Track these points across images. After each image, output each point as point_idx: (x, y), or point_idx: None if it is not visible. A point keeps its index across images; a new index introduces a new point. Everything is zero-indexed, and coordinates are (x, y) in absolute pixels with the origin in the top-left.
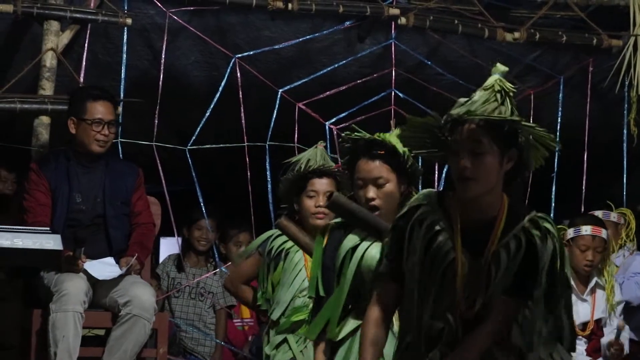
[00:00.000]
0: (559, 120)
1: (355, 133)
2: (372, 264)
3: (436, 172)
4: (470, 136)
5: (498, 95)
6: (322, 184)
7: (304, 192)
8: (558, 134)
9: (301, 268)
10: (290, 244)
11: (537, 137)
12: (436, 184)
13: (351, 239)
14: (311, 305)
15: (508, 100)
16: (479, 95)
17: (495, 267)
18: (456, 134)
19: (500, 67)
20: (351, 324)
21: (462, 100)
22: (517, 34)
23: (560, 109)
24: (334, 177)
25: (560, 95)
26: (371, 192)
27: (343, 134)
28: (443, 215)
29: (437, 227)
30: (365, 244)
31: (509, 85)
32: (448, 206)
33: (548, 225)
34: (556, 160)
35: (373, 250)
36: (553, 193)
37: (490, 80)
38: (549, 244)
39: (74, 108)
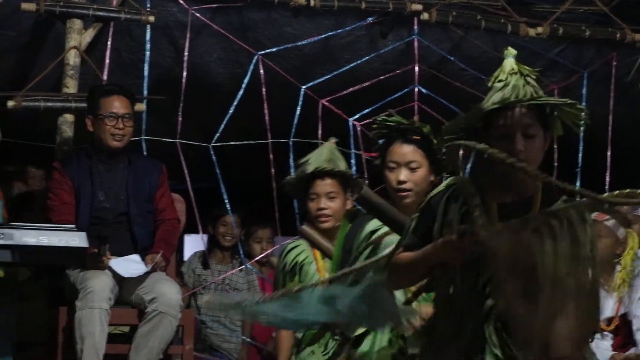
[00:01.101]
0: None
1: (393, 117)
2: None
3: None
4: (523, 120)
5: (528, 79)
6: (323, 186)
7: (307, 195)
8: (582, 129)
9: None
10: (303, 256)
11: (565, 117)
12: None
13: (373, 223)
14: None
15: (535, 83)
16: (514, 80)
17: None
18: (504, 119)
19: (512, 51)
20: None
21: (498, 85)
22: (540, 29)
23: (584, 103)
24: (337, 178)
25: (584, 90)
26: (403, 174)
27: (379, 118)
28: (477, 194)
29: (472, 202)
30: (385, 228)
31: (528, 68)
32: (481, 186)
33: (584, 208)
34: (580, 155)
35: (392, 236)
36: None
37: (510, 65)
38: (587, 226)
39: (89, 106)
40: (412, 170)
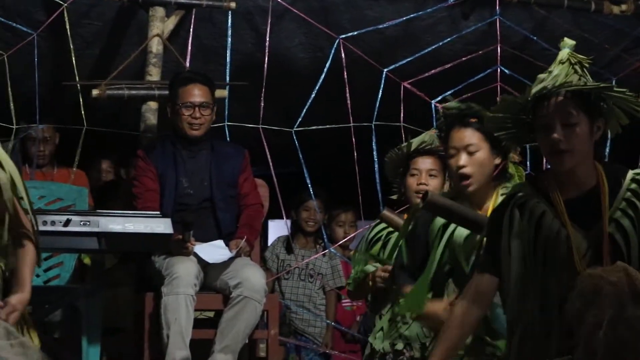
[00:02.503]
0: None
1: (450, 103)
2: (461, 241)
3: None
4: (560, 108)
5: (577, 67)
6: (424, 163)
7: (408, 171)
8: None
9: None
10: (390, 229)
11: (621, 103)
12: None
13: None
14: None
15: (585, 71)
16: (558, 69)
17: (621, 233)
18: (544, 109)
19: (569, 42)
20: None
21: (542, 76)
22: (624, 6)
23: None
24: (438, 156)
25: None
26: (462, 159)
27: (441, 106)
28: (542, 197)
29: (541, 210)
30: None
31: (581, 57)
32: (544, 187)
33: None
34: None
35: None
36: None
37: (563, 54)
38: None
39: (170, 94)
40: (471, 154)
